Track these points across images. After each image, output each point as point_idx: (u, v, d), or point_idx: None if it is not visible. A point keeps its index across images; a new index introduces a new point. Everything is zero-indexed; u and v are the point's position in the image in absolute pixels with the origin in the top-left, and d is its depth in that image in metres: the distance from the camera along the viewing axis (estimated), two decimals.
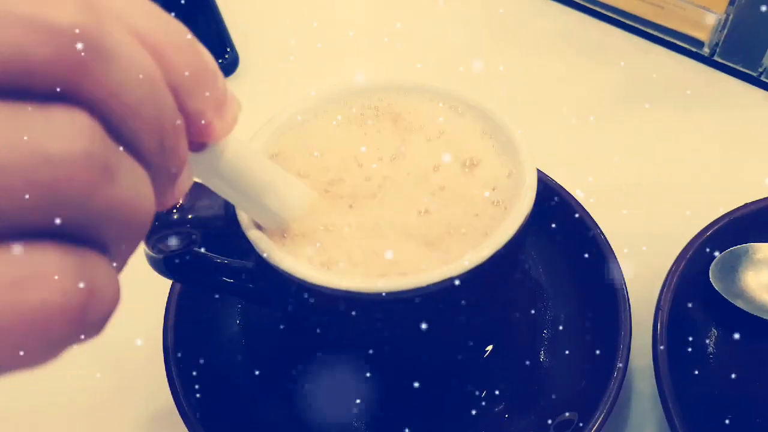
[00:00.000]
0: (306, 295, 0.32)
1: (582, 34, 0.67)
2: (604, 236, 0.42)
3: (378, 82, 0.39)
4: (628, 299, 0.39)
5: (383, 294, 0.30)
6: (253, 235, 0.33)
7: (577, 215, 0.43)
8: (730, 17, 0.61)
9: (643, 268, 0.44)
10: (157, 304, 0.43)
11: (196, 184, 0.36)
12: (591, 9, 0.68)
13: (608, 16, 0.68)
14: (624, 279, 0.41)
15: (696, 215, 0.47)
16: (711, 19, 0.63)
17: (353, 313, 0.33)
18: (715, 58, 0.64)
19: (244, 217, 0.34)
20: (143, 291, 0.43)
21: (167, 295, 0.43)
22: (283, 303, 0.37)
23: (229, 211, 0.35)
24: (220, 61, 0.64)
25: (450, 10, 0.67)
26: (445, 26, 0.67)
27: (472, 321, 0.36)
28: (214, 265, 0.39)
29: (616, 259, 0.41)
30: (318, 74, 0.63)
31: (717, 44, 0.63)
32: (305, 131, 0.38)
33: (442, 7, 0.66)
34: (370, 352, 0.36)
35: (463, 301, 0.33)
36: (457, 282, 0.30)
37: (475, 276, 0.30)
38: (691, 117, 0.60)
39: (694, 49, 0.64)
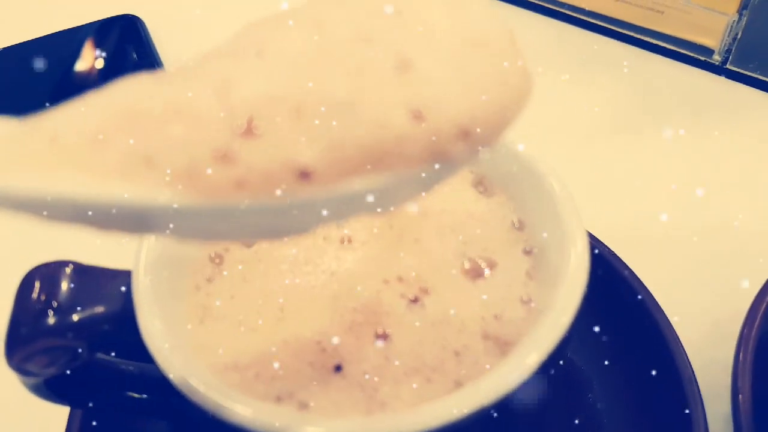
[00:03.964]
0: None
1: (574, 48, 0.58)
2: (654, 300, 0.31)
3: None
4: (700, 395, 0.29)
5: None
6: (161, 356, 0.21)
7: (613, 271, 0.32)
8: (744, 19, 0.53)
9: (702, 333, 0.33)
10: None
11: (78, 269, 0.25)
12: (581, 19, 0.59)
13: (601, 26, 0.58)
14: (688, 359, 0.30)
15: (742, 253, 0.37)
16: (721, 23, 0.54)
17: None
18: (728, 66, 0.55)
19: (146, 319, 0.22)
20: (35, 417, 0.32)
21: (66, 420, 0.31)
22: None
23: (127, 306, 0.24)
24: None
25: None
26: None
27: None
28: (118, 376, 0.28)
29: (674, 331, 0.30)
30: None
31: (729, 51, 0.54)
32: None
33: None
34: None
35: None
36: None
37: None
38: (706, 134, 0.51)
39: (702, 58, 0.56)
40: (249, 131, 0.16)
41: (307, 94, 0.16)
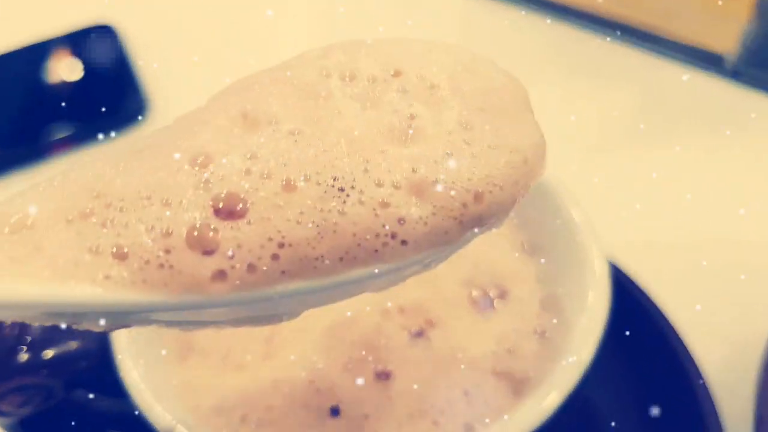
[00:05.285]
0: None
1: (579, 52, 0.56)
2: (673, 329, 0.29)
3: None
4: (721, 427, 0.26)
5: None
6: (141, 399, 0.19)
7: (630, 298, 0.30)
8: (756, 25, 0.51)
9: (723, 357, 0.31)
10: None
11: None
12: (586, 23, 0.57)
13: (612, 33, 0.57)
14: (709, 390, 0.28)
15: (762, 270, 0.35)
16: (733, 29, 0.52)
17: None
18: (740, 72, 0.53)
19: (124, 357, 0.20)
20: None
21: None
22: None
23: (103, 341, 0.22)
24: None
25: (420, 28, 0.55)
26: None
27: None
28: (95, 415, 0.26)
29: (694, 362, 0.28)
30: None
31: (741, 57, 0.52)
32: None
33: (410, 26, 0.54)
34: None
35: None
36: None
37: None
38: (719, 141, 0.49)
39: (714, 64, 0.54)
40: (229, 211, 0.14)
41: (296, 169, 0.14)
